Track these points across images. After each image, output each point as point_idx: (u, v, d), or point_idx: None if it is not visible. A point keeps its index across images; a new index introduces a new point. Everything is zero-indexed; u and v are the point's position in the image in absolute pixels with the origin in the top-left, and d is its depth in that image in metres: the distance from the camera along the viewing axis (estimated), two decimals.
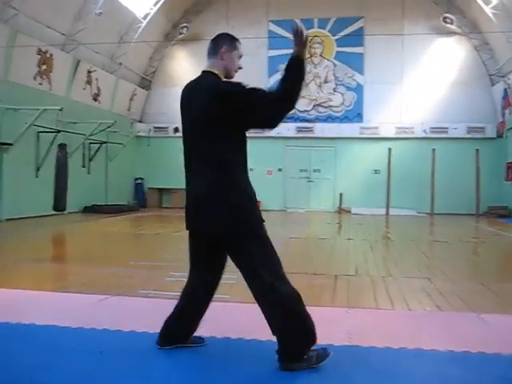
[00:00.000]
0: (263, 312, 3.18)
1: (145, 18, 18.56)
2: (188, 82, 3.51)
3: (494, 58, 19.40)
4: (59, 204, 11.98)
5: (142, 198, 21.24)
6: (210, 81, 3.32)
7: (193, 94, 3.37)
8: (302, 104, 20.62)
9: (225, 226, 3.14)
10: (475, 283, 6.27)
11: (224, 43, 3.41)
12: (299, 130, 20.31)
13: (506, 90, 18.54)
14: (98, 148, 18.03)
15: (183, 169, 3.44)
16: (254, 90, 3.16)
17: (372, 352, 3.45)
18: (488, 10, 16.95)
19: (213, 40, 3.50)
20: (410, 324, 4.28)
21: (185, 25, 20.78)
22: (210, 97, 3.18)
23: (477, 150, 18.69)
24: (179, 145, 15.46)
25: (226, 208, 3.13)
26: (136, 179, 21.39)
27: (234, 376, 3.08)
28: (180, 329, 3.50)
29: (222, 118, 3.12)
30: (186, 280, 5.88)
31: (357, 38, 20.03)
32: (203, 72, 3.43)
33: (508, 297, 5.44)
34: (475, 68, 19.81)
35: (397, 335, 3.87)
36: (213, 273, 3.49)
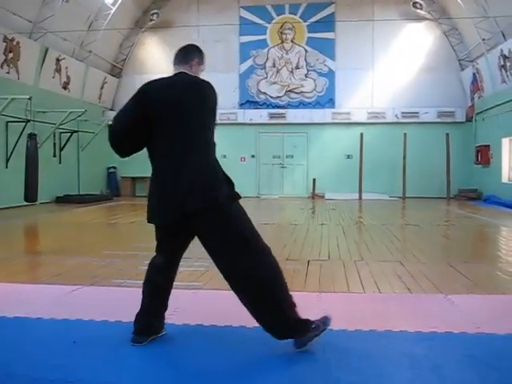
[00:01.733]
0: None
1: (114, 4, 18.29)
2: (154, 80, 3.50)
3: (463, 43, 19.63)
4: (30, 195, 11.85)
5: (115, 187, 21.08)
6: (197, 78, 3.52)
7: (180, 88, 3.39)
8: (274, 90, 20.66)
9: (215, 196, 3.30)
10: (444, 265, 6.40)
11: (196, 56, 3.65)
12: (271, 116, 20.34)
13: (474, 74, 18.81)
14: (69, 137, 17.81)
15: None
16: None
17: (342, 335, 3.51)
18: None
19: (184, 48, 3.68)
20: (381, 306, 4.37)
21: (155, 11, 20.54)
22: (207, 91, 3.39)
23: (447, 134, 18.94)
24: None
25: (216, 181, 3.39)
26: (109, 168, 21.19)
27: (209, 363, 3.12)
28: (156, 319, 3.50)
29: (211, 110, 3.37)
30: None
31: (328, 23, 20.07)
32: (180, 72, 3.51)
33: (475, 277, 5.57)
34: (445, 53, 20.03)
35: (367, 318, 3.95)
36: (180, 257, 3.67)
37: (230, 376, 2.94)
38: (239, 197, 3.45)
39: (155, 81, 3.46)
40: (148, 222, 3.59)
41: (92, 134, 18.93)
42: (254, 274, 3.18)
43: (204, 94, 3.35)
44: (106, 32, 18.49)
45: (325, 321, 3.27)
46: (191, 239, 3.54)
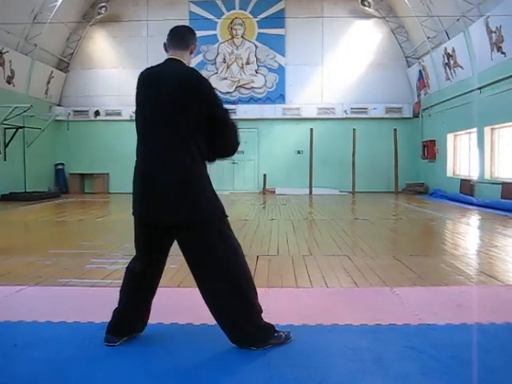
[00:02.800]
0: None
1: None
2: (148, 67, 3.42)
3: (409, 41, 20.09)
4: None
5: (63, 184, 20.66)
6: (186, 69, 3.30)
7: (163, 79, 3.24)
8: (224, 86, 20.61)
9: (201, 214, 3.17)
10: (391, 258, 6.54)
11: (194, 40, 3.49)
12: None
13: (420, 71, 19.28)
14: (14, 133, 17.30)
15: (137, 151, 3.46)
16: (226, 110, 3.32)
17: (289, 330, 3.54)
18: None
19: (182, 32, 3.47)
20: (327, 301, 4.43)
21: (103, 4, 20.15)
22: (188, 85, 3.16)
23: (395, 130, 19.35)
24: (100, 129, 15.34)
25: (203, 197, 3.24)
26: (56, 165, 20.74)
27: (184, 361, 3.09)
28: (136, 319, 3.42)
29: (195, 109, 3.13)
30: (105, 266, 5.84)
31: (278, 19, 20.17)
32: (171, 59, 3.37)
33: (420, 270, 5.72)
34: (392, 50, 20.44)
35: (314, 312, 3.99)
36: (164, 260, 3.52)
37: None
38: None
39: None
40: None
41: (39, 129, 18.47)
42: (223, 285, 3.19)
43: (188, 89, 3.20)
44: (52, 25, 18.03)
45: (288, 334, 3.33)
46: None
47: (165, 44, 3.47)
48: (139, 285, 3.38)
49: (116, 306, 3.41)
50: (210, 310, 3.23)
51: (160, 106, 3.16)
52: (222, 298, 3.17)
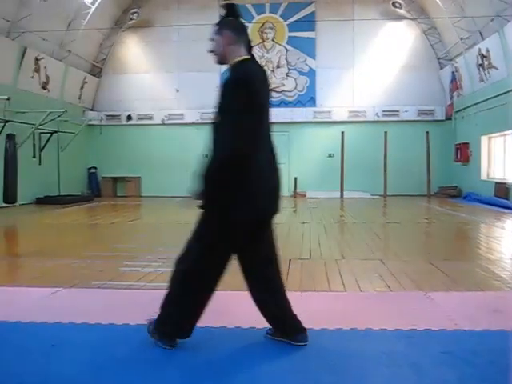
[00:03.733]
0: None
1: (93, 3, 18.13)
2: (245, 65, 3.25)
3: (441, 42, 19.82)
4: (9, 196, 11.75)
5: (95, 188, 20.94)
6: None
7: (268, 83, 3.37)
8: None
9: None
10: (425, 263, 6.46)
11: None
12: None
13: (453, 73, 18.99)
14: (49, 138, 17.63)
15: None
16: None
17: (323, 334, 3.53)
18: None
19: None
20: (361, 305, 4.40)
21: (135, 10, 20.39)
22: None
23: (427, 133, 19.11)
24: (132, 133, 15.49)
25: None
26: (89, 168, 21.06)
27: (219, 363, 3.11)
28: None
29: None
30: (138, 269, 5.90)
31: (308, 22, 20.12)
32: (255, 59, 3.37)
33: (454, 274, 5.63)
34: (424, 52, 20.19)
35: (348, 317, 3.97)
36: None
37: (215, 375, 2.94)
38: None
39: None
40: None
41: (72, 134, 18.79)
42: None
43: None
44: (85, 31, 18.34)
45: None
46: None
47: (235, 36, 3.29)
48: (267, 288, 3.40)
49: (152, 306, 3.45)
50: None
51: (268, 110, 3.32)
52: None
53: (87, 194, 19.92)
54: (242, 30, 3.33)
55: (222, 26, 3.31)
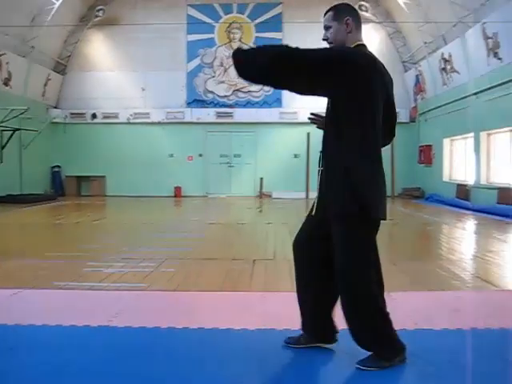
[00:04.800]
0: None
1: None
2: (361, 49, 3.06)
3: (406, 46, 20.15)
4: None
5: (59, 187, 20.59)
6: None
7: (386, 72, 3.09)
8: (221, 89, 20.65)
9: None
10: (387, 263, 6.52)
11: None
12: (219, 115, 20.32)
13: (417, 76, 19.34)
14: (11, 135, 17.23)
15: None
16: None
17: (286, 334, 3.55)
18: None
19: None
20: None
21: (101, 7, 20.10)
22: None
23: None
24: (97, 131, 15.31)
25: None
26: (53, 167, 20.69)
27: (149, 366, 3.09)
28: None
29: None
30: (101, 269, 5.84)
31: (275, 23, 20.22)
32: (366, 47, 3.11)
33: (415, 275, 5.74)
34: (389, 55, 20.42)
35: None
36: None
37: (176, 380, 2.93)
38: None
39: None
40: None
41: (35, 132, 18.42)
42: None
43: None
44: (49, 27, 17.99)
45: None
46: None
47: (348, 19, 3.08)
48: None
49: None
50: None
51: (388, 106, 3.08)
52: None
53: (50, 193, 19.57)
54: (359, 16, 3.15)
55: (341, 11, 3.11)
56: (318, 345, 3.31)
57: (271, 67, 2.90)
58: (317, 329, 3.32)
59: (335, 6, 3.18)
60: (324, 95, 3.07)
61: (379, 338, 3.02)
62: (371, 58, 2.99)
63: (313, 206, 3.19)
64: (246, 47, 3.05)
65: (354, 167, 2.90)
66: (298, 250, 3.31)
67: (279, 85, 3.17)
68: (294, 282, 3.36)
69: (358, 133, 2.92)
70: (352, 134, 2.92)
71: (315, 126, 3.28)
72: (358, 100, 2.89)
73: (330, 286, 3.19)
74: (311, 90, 3.06)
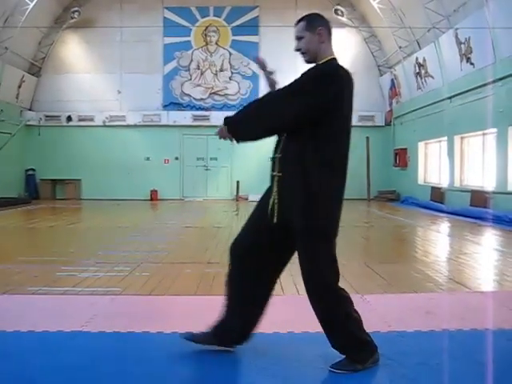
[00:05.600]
0: None
1: None
2: (338, 62, 3.16)
3: (381, 50, 20.37)
4: None
5: (33, 190, 20.35)
6: None
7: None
8: (198, 92, 20.63)
9: None
10: (362, 266, 6.61)
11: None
12: (195, 118, 20.29)
13: (392, 80, 19.55)
14: None
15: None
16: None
17: (261, 337, 3.55)
18: (375, 4, 17.74)
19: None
20: (299, 308, 4.44)
21: (76, 9, 19.95)
22: None
23: (367, 138, 19.57)
24: (73, 134, 15.17)
25: None
26: (27, 170, 20.44)
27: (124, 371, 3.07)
28: None
29: None
30: (75, 274, 5.78)
31: (252, 27, 20.26)
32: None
33: (390, 277, 5.79)
34: (365, 59, 20.66)
35: (285, 320, 4.01)
36: None
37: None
38: None
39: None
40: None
41: (9, 134, 18.18)
42: None
43: None
44: (23, 28, 17.77)
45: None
46: None
47: (321, 30, 3.10)
48: None
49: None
50: None
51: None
52: None
53: (24, 197, 19.33)
54: (331, 27, 3.16)
55: (314, 21, 3.10)
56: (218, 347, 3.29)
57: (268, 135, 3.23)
58: (232, 333, 3.27)
59: (308, 15, 3.17)
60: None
61: (352, 342, 3.05)
62: (350, 77, 3.13)
63: (272, 211, 3.12)
64: (233, 116, 3.19)
65: (325, 181, 2.95)
66: (237, 257, 3.24)
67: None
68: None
69: (332, 147, 3.02)
70: (325, 149, 2.99)
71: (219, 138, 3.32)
72: (338, 119, 3.12)
73: (261, 298, 3.28)
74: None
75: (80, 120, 20.52)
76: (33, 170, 20.50)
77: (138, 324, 3.81)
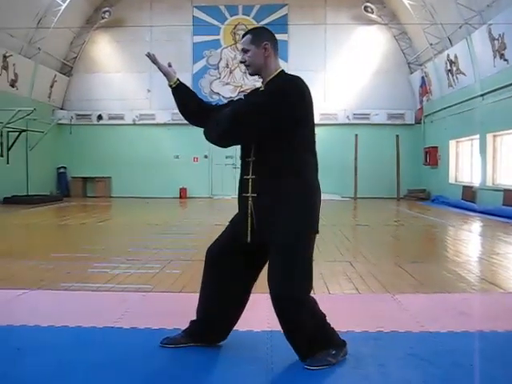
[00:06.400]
0: None
1: (64, 0, 17.88)
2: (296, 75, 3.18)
3: (412, 47, 20.12)
4: None
5: (65, 188, 20.68)
6: None
7: None
8: (227, 91, 20.67)
9: None
10: (392, 265, 6.55)
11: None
12: None
13: (423, 78, 19.30)
14: (17, 136, 17.32)
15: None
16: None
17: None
18: (406, 1, 17.54)
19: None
20: (329, 307, 4.40)
21: (107, 9, 20.19)
22: None
23: (397, 136, 19.36)
24: (103, 132, 15.37)
25: None
26: (58, 168, 20.78)
27: (156, 367, 3.10)
28: None
29: None
30: (106, 271, 5.85)
31: (281, 25, 20.19)
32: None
33: (421, 277, 5.72)
34: (395, 56, 20.45)
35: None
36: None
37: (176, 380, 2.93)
38: None
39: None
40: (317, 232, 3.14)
41: (41, 133, 18.50)
42: None
43: None
44: (55, 29, 18.05)
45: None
46: None
47: (267, 44, 3.11)
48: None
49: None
50: None
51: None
52: None
53: (56, 194, 19.65)
54: (277, 42, 3.20)
55: (259, 36, 3.13)
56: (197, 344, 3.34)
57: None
58: (210, 333, 3.34)
59: (254, 29, 3.28)
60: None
61: (320, 342, 3.08)
62: (307, 89, 3.08)
63: (245, 229, 3.14)
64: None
65: (301, 193, 3.00)
66: (210, 263, 3.32)
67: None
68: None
69: (303, 157, 3.06)
70: (296, 159, 3.03)
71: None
72: (304, 127, 3.06)
73: (236, 299, 3.30)
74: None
75: (110, 119, 20.76)
76: (64, 168, 20.82)
77: (169, 321, 3.83)
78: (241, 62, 3.22)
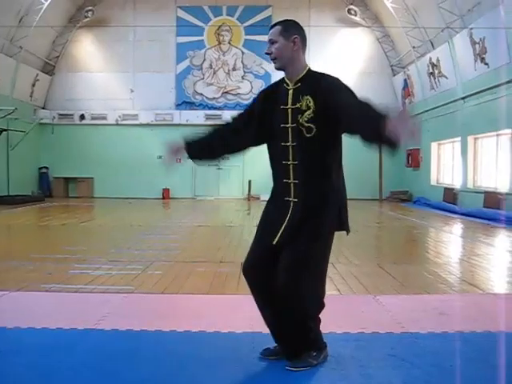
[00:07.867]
0: None
1: None
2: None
3: (394, 50, 20.28)
4: None
5: (46, 188, 20.50)
6: None
7: None
8: (210, 91, 20.65)
9: None
10: (374, 266, 6.59)
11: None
12: (208, 117, 20.29)
13: (405, 80, 19.46)
14: None
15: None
16: None
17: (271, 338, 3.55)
18: (389, 4, 17.67)
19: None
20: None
21: (90, 8, 20.08)
22: None
23: None
24: (85, 132, 15.29)
25: None
26: (40, 168, 20.60)
27: (140, 369, 3.09)
28: None
29: None
30: (88, 272, 5.81)
31: (265, 26, 20.21)
32: None
33: (402, 278, 5.76)
34: (378, 59, 20.60)
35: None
36: None
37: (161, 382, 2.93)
38: None
39: None
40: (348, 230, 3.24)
41: (23, 132, 18.31)
42: None
43: None
44: (38, 28, 17.89)
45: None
46: None
47: (296, 38, 3.00)
48: None
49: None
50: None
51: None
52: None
53: (38, 195, 19.47)
54: (306, 38, 3.08)
55: (289, 28, 3.00)
56: None
57: None
58: None
59: (285, 20, 3.09)
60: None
61: (307, 343, 3.08)
62: None
63: (277, 231, 3.08)
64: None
65: (336, 190, 3.14)
66: (249, 276, 3.24)
67: None
68: None
69: (338, 156, 3.17)
70: (335, 158, 3.14)
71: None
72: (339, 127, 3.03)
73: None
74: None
75: (93, 118, 20.63)
76: (46, 168, 20.64)
77: (151, 322, 3.82)
78: (266, 53, 3.06)
